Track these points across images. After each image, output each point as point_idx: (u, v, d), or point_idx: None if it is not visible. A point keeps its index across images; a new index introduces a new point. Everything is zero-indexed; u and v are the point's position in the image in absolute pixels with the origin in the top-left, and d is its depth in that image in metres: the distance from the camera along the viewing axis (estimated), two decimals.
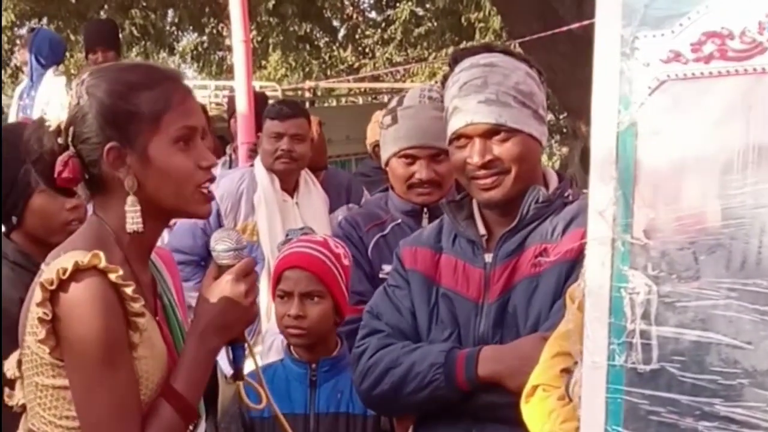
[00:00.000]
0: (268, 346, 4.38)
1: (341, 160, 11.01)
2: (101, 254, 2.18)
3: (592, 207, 1.68)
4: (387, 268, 3.76)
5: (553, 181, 3.03)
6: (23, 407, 2.36)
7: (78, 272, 2.16)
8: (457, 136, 2.92)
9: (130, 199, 2.27)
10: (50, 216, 3.31)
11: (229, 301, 2.31)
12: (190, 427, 2.38)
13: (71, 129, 2.30)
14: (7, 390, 2.41)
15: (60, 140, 2.31)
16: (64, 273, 2.15)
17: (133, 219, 2.28)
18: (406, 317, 2.99)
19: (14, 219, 3.39)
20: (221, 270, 2.36)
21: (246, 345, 2.44)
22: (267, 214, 5.09)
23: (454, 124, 2.92)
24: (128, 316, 2.21)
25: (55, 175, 2.31)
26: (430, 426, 2.97)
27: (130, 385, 2.22)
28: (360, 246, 3.89)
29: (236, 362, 2.43)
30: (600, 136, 1.68)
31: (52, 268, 2.18)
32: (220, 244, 2.38)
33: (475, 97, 2.88)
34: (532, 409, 2.34)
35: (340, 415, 3.51)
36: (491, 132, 2.88)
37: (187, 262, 5.08)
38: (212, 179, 2.37)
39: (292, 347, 3.63)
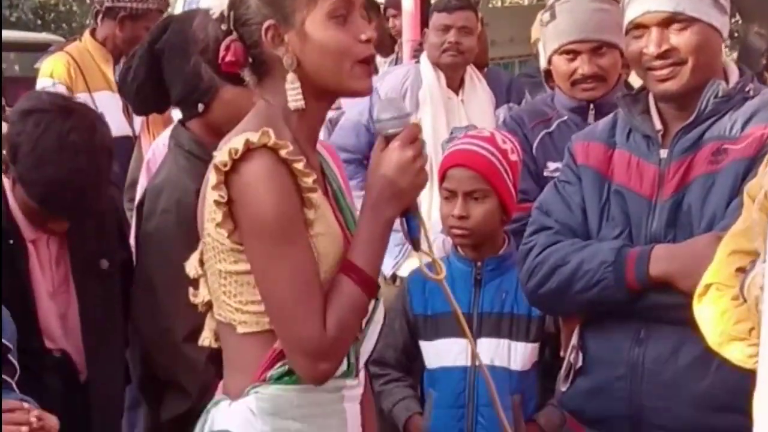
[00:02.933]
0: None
1: (504, 63, 10.84)
2: (270, 131, 2.20)
3: None
4: (552, 165, 3.72)
5: (734, 75, 2.91)
6: (208, 304, 2.41)
7: (249, 152, 2.18)
8: (634, 25, 2.83)
9: (290, 76, 2.27)
10: (239, 107, 3.26)
11: (398, 169, 2.27)
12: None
13: (232, 13, 2.31)
14: (191, 289, 2.46)
15: (223, 26, 2.32)
16: (236, 153, 2.17)
17: (294, 96, 2.28)
18: (576, 214, 2.93)
19: (201, 107, 3.39)
20: (387, 140, 2.32)
21: (419, 215, 2.39)
22: (432, 112, 5.04)
23: (631, 14, 2.83)
24: (301, 193, 2.23)
25: (219, 61, 2.32)
26: (596, 327, 2.92)
27: (311, 261, 2.24)
28: (525, 143, 3.84)
29: (411, 233, 2.38)
30: None
31: (223, 151, 2.20)
32: (384, 114, 2.33)
33: None
34: (704, 309, 2.28)
35: (503, 315, 3.48)
36: (669, 20, 2.78)
37: (350, 160, 5.07)
38: (372, 54, 2.34)
39: (458, 246, 3.59)
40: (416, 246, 2.40)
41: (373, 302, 2.38)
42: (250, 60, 2.33)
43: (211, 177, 2.21)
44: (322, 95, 2.35)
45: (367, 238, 2.29)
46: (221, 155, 2.20)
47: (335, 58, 2.28)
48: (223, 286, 2.29)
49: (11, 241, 3.24)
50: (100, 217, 3.43)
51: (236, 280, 2.27)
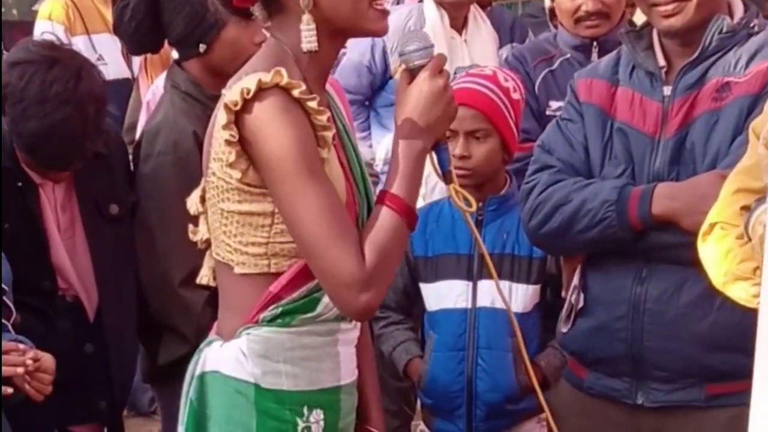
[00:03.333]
0: (431, 188, 4.34)
1: (507, 3, 10.81)
2: (283, 71, 2.17)
3: None
4: (554, 104, 3.71)
5: (739, 10, 2.86)
6: (207, 242, 2.39)
7: (261, 91, 2.15)
8: None
9: (306, 17, 2.23)
10: (241, 48, 3.24)
11: (429, 99, 2.24)
12: None
13: None
14: (191, 226, 2.45)
15: None
16: (248, 93, 2.14)
17: (308, 38, 2.24)
18: (578, 152, 2.89)
19: (202, 47, 3.36)
20: (413, 73, 2.28)
21: (447, 147, 2.37)
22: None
23: None
24: (316, 131, 2.20)
25: None
26: (598, 267, 2.91)
27: (336, 194, 2.21)
28: (527, 81, 3.81)
29: (442, 165, 2.36)
30: None
31: (234, 90, 2.17)
32: (410, 45, 2.30)
33: None
34: (708, 248, 2.25)
35: (505, 256, 3.44)
36: None
37: (352, 101, 5.03)
38: None
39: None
40: (448, 179, 2.37)
41: None
42: None
43: (221, 116, 2.18)
44: (336, 36, 2.32)
45: (402, 172, 2.25)
46: (232, 94, 2.17)
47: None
48: (224, 225, 2.27)
49: (20, 183, 3.24)
50: (107, 162, 3.41)
51: (238, 220, 2.24)
